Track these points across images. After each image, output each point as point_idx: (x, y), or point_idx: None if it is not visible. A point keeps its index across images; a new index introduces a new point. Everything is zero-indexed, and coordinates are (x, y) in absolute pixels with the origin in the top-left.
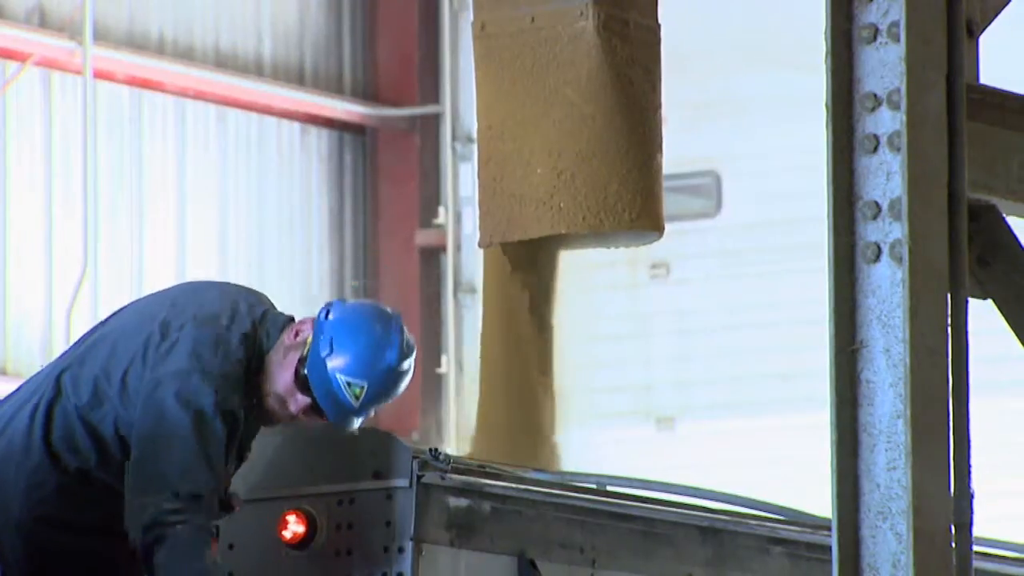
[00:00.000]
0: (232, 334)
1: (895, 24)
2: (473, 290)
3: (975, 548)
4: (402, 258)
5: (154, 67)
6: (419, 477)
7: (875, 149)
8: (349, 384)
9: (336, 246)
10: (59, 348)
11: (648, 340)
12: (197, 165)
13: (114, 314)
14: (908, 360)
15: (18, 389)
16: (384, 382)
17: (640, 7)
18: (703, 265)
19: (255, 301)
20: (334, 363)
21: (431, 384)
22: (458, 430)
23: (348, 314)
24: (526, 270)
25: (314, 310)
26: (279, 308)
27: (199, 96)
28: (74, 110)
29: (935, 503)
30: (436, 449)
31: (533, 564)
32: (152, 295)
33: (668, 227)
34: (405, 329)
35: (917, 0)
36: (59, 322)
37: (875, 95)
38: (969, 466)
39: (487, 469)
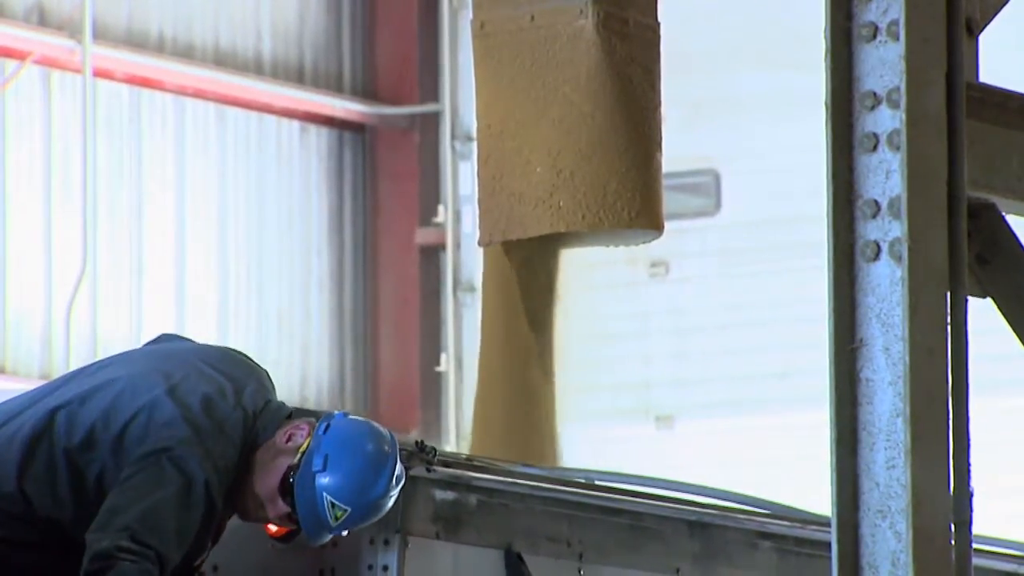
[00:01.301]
0: (234, 422)
1: (895, 23)
2: (473, 289)
3: (974, 546)
4: (402, 256)
5: (153, 66)
6: (406, 469)
7: (874, 148)
8: (333, 505)
9: (336, 245)
10: (58, 347)
11: (647, 338)
12: (196, 164)
13: (122, 356)
14: (907, 358)
15: None
16: (367, 511)
17: (639, 6)
18: (702, 264)
19: (259, 386)
20: (324, 481)
21: (430, 382)
22: (457, 428)
23: (347, 433)
24: (526, 268)
25: (313, 309)
26: (278, 305)
27: (198, 95)
28: (73, 109)
29: (934, 501)
30: (422, 442)
31: (520, 557)
32: (165, 348)
33: (667, 226)
34: (399, 458)
35: None
36: (58, 321)
37: (875, 93)
38: (968, 464)
39: (474, 462)
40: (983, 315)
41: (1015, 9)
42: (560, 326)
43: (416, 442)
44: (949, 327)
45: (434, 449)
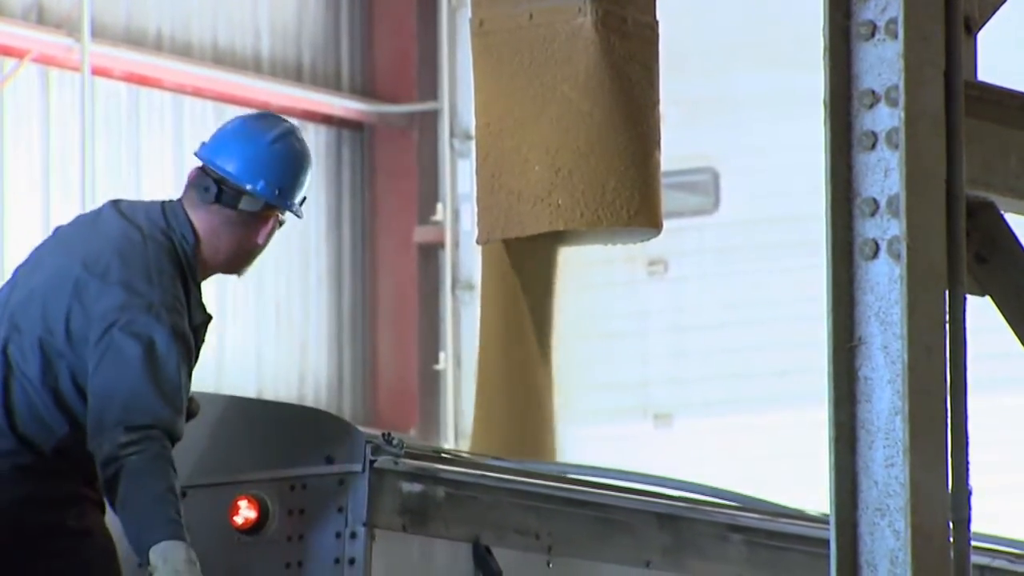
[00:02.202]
0: (154, 254)
1: (893, 21)
2: (471, 287)
3: (973, 544)
4: (400, 255)
5: (152, 64)
6: (372, 462)
7: (873, 146)
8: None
9: (334, 243)
10: None
11: (646, 337)
12: (195, 162)
13: (19, 272)
14: (906, 357)
15: None
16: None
17: (638, 4)
18: (701, 262)
19: (148, 205)
20: (282, 199)
21: (429, 381)
22: (456, 426)
23: (247, 164)
24: (524, 267)
25: (311, 307)
26: (276, 303)
27: (197, 93)
28: (72, 107)
29: (933, 500)
30: (389, 434)
31: (488, 550)
32: (51, 240)
33: (666, 224)
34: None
35: None
36: None
37: (873, 92)
38: (967, 463)
39: (442, 455)
40: (981, 313)
41: (1014, 7)
42: (558, 325)
43: (383, 434)
44: (948, 325)
45: (401, 441)
